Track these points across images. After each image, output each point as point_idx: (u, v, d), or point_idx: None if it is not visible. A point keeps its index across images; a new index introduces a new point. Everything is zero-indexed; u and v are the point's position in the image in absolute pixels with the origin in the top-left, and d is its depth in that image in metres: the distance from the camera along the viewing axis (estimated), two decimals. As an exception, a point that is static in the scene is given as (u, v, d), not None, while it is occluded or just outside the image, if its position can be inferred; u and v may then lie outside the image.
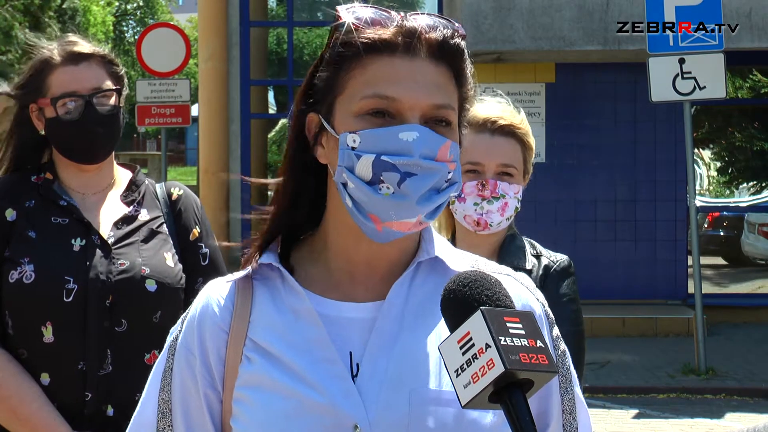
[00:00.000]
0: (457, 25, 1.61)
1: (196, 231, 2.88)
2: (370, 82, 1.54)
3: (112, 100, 2.81)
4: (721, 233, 19.38)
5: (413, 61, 1.55)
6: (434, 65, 1.56)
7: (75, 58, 2.80)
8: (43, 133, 2.81)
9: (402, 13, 1.59)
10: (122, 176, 2.90)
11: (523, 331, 1.36)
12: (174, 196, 2.89)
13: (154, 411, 1.64)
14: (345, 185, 1.55)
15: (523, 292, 1.64)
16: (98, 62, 2.82)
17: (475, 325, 1.35)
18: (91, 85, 2.78)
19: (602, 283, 12.46)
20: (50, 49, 2.82)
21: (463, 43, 1.60)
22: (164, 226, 2.84)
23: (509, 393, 1.33)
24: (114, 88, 2.81)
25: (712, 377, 10.17)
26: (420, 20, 1.58)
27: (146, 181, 2.92)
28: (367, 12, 1.58)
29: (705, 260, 14.78)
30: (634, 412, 9.21)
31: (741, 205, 19.87)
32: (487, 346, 1.33)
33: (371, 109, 1.54)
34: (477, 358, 1.34)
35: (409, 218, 1.54)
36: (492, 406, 1.36)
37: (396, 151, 1.52)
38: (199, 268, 2.84)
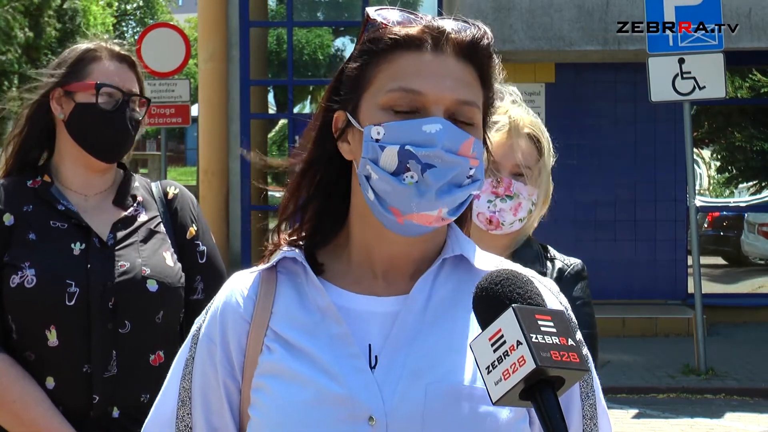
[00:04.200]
0: (486, 29, 1.64)
1: (192, 229, 2.87)
2: (395, 76, 1.57)
3: (140, 109, 2.85)
4: (721, 233, 19.38)
5: (439, 57, 1.58)
6: (460, 63, 1.59)
7: (119, 58, 2.84)
8: (61, 117, 2.79)
9: (430, 16, 1.63)
10: (118, 177, 2.91)
11: (554, 329, 1.36)
12: (170, 195, 2.89)
13: (175, 399, 1.67)
14: (368, 178, 1.57)
15: (548, 295, 1.64)
16: (135, 70, 2.87)
17: (507, 322, 1.36)
18: (129, 87, 2.82)
19: (602, 283, 12.44)
20: (92, 43, 2.86)
21: (490, 48, 1.63)
22: (161, 225, 2.84)
23: (540, 390, 1.34)
24: (146, 97, 2.87)
25: (712, 377, 10.17)
26: (449, 22, 1.61)
27: (139, 181, 2.92)
28: (396, 13, 1.62)
29: (705, 260, 14.77)
30: (634, 412, 9.21)
31: (741, 205, 19.87)
32: (519, 343, 1.34)
33: (396, 102, 1.56)
34: (508, 356, 1.34)
35: (430, 211, 1.56)
36: (523, 404, 1.36)
37: (419, 143, 1.54)
38: (197, 266, 2.84)
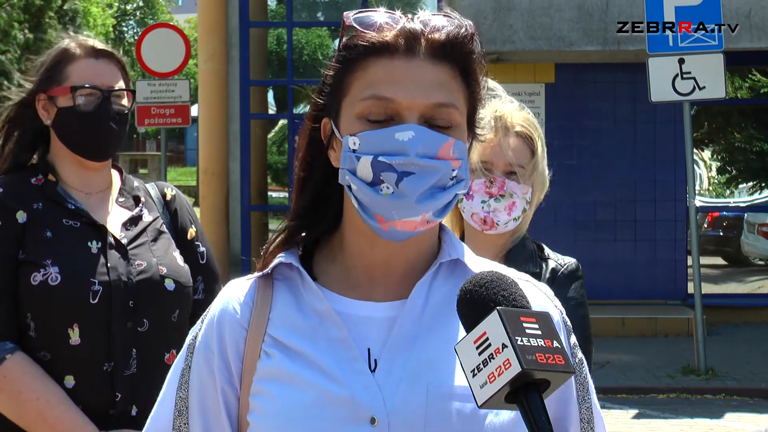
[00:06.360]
0: (466, 23, 1.61)
1: (192, 230, 2.89)
2: (369, 84, 1.57)
3: (125, 101, 2.81)
4: (721, 233, 19.37)
5: (412, 62, 1.57)
6: (435, 65, 1.57)
7: (95, 54, 2.80)
8: (48, 123, 2.77)
9: (409, 15, 1.61)
10: (115, 177, 2.90)
11: (539, 332, 1.36)
12: (168, 197, 2.90)
13: (171, 409, 1.66)
14: (350, 187, 1.57)
15: (541, 299, 1.65)
16: (115, 62, 2.83)
17: (492, 325, 1.35)
18: (109, 82, 2.79)
19: (602, 283, 12.45)
20: (68, 42, 2.82)
21: (471, 43, 1.61)
22: (164, 225, 2.84)
23: (526, 393, 1.34)
24: (129, 89, 2.83)
25: (712, 377, 10.17)
26: (425, 21, 1.59)
27: (137, 182, 2.92)
28: (373, 15, 1.60)
29: (705, 260, 14.78)
30: (634, 412, 9.20)
31: (741, 205, 19.86)
32: (504, 346, 1.33)
33: (370, 111, 1.56)
34: (493, 358, 1.34)
35: (412, 217, 1.55)
36: (508, 406, 1.36)
37: (392, 151, 1.53)
38: (198, 267, 2.86)
